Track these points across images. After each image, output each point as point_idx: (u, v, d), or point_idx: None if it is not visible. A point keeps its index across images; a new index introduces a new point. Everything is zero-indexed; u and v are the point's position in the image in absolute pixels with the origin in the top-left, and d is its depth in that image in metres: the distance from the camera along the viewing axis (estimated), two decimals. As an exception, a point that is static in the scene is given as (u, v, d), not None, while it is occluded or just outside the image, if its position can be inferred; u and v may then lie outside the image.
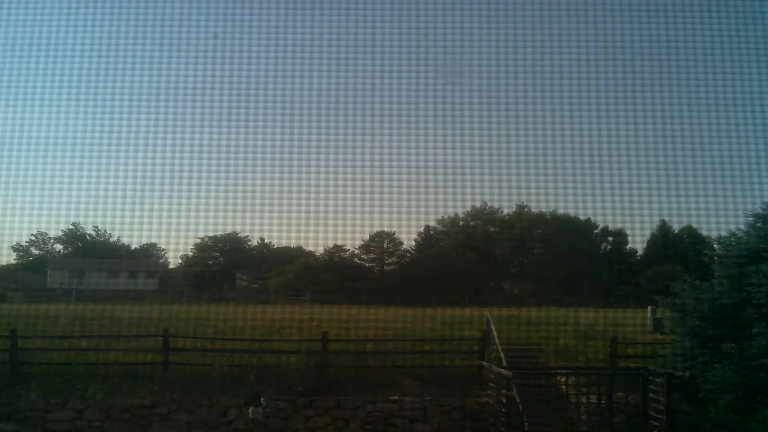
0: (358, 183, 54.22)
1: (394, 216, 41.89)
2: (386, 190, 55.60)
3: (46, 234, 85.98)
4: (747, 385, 13.47)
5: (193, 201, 63.39)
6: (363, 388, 17.63)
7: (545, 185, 60.53)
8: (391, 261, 77.52)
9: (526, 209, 76.70)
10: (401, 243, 76.61)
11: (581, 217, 72.25)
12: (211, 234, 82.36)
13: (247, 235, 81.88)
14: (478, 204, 79.90)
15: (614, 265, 70.59)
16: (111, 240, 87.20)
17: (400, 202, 51.40)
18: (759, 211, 15.47)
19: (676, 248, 65.24)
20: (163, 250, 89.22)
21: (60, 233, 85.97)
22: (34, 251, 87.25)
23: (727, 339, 14.03)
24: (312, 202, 64.45)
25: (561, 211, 72.95)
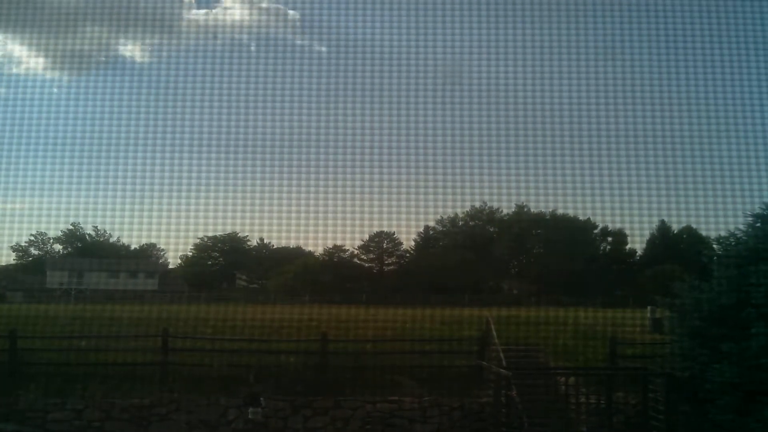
0: (358, 183, 54.14)
1: (394, 216, 41.81)
2: (386, 190, 55.64)
3: (46, 234, 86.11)
4: (746, 385, 13.48)
5: (193, 201, 63.35)
6: (362, 389, 17.61)
7: (545, 185, 60.44)
8: (390, 261, 77.58)
9: (525, 209, 76.77)
10: (401, 243, 76.74)
11: (581, 217, 72.36)
12: (210, 234, 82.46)
13: (247, 235, 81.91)
14: (477, 204, 79.98)
15: (614, 265, 70.64)
16: (110, 240, 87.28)
17: (399, 202, 51.23)
18: (758, 211, 15.50)
19: (676, 248, 65.24)
20: (163, 250, 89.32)
21: (59, 233, 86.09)
22: (34, 251, 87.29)
23: (727, 339, 14.04)
24: (312, 202, 64.39)
25: (560, 211, 73.00)
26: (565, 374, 17.12)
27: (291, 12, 79.09)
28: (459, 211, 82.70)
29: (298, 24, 72.74)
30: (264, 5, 74.68)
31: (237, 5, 75.04)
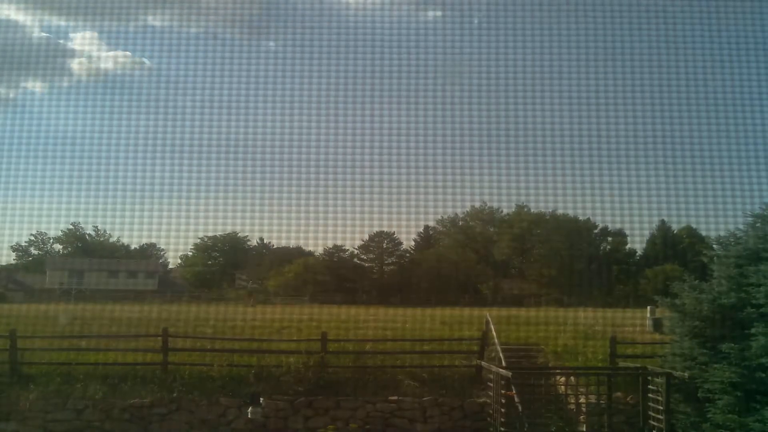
0: (358, 183, 54.26)
1: (394, 216, 41.98)
2: (386, 190, 55.61)
3: (46, 234, 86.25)
4: (746, 385, 13.46)
5: (193, 201, 63.50)
6: (362, 389, 17.61)
7: (545, 185, 60.56)
8: (390, 261, 77.60)
9: (525, 209, 76.82)
10: (401, 243, 76.80)
11: (581, 217, 72.46)
12: (210, 234, 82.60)
13: (247, 236, 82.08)
14: (477, 204, 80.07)
15: (613, 265, 70.67)
16: (110, 240, 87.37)
17: (399, 202, 51.27)
18: (758, 211, 15.45)
19: (676, 248, 65.29)
20: (163, 250, 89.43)
21: (59, 233, 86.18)
22: (34, 251, 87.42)
23: (727, 339, 14.02)
24: (312, 202, 64.41)
25: (560, 211, 73.13)
26: (565, 374, 17.12)
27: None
28: (459, 211, 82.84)
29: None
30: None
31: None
